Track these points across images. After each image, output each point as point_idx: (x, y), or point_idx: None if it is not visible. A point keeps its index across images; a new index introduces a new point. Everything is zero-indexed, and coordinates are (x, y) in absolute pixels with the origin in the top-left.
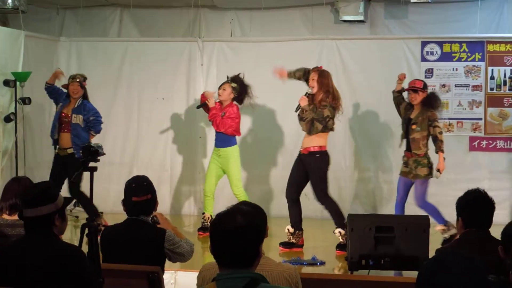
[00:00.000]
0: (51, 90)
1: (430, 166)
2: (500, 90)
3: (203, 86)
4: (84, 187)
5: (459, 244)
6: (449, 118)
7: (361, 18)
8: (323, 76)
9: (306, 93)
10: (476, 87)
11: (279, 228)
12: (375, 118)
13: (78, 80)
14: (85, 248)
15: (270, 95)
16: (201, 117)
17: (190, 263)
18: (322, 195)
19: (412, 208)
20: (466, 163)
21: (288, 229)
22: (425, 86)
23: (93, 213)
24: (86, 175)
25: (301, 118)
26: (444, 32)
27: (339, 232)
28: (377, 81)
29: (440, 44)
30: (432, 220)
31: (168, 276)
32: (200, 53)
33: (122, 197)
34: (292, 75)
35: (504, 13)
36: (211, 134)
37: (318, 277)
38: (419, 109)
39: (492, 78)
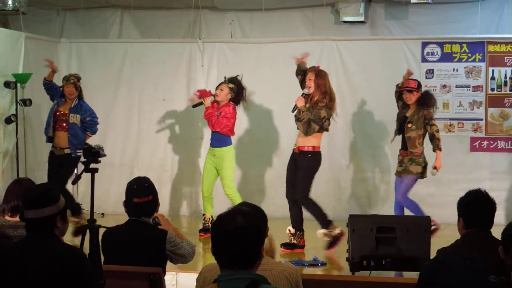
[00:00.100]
0: (49, 87)
1: (424, 166)
2: (501, 91)
3: (203, 87)
4: (85, 188)
5: (460, 244)
6: (450, 119)
7: (362, 19)
8: (320, 76)
9: (303, 93)
10: (476, 88)
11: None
12: (375, 119)
13: (72, 81)
14: (86, 250)
15: (270, 96)
16: (201, 118)
17: (191, 265)
18: (304, 195)
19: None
20: (467, 163)
21: (289, 230)
22: (419, 86)
23: (76, 211)
24: (86, 176)
25: (297, 119)
26: (444, 32)
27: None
28: (377, 82)
29: (441, 44)
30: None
31: (170, 278)
32: (201, 54)
33: (123, 198)
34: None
35: (504, 13)
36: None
37: (319, 278)
38: (414, 108)
39: (492, 78)
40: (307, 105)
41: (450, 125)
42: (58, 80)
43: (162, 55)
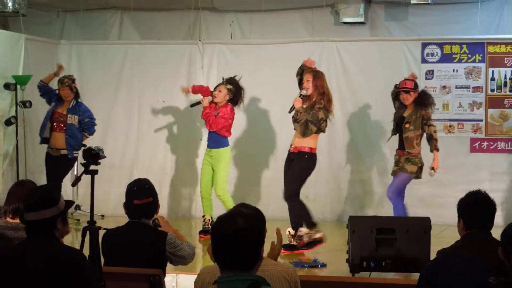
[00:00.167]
0: (45, 90)
1: (419, 166)
2: (501, 91)
3: (211, 86)
4: (85, 190)
5: (460, 245)
6: (450, 120)
7: (361, 20)
8: (318, 77)
9: (301, 94)
10: (476, 89)
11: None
12: (375, 120)
13: (66, 84)
14: (86, 251)
15: (270, 97)
16: (200, 118)
17: (191, 266)
18: (292, 194)
19: (411, 210)
20: (467, 164)
21: (289, 231)
22: (415, 86)
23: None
24: (86, 178)
25: (295, 120)
26: (444, 33)
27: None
28: (377, 83)
29: (441, 45)
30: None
31: (170, 279)
32: (201, 55)
33: (123, 200)
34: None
35: (504, 14)
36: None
37: (319, 279)
38: (412, 108)
39: (492, 79)
40: (305, 106)
41: (450, 126)
42: (53, 82)
43: (162, 57)
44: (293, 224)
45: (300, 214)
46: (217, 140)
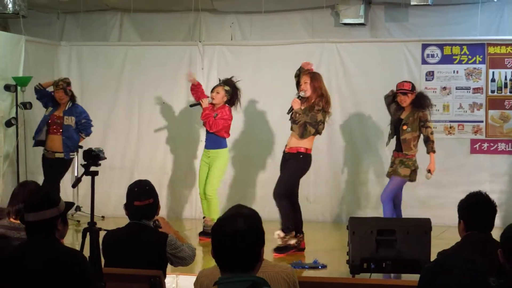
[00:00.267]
0: (42, 93)
1: (413, 169)
2: (501, 93)
3: (208, 88)
4: (85, 191)
5: (461, 246)
6: (450, 121)
7: (362, 21)
8: (315, 79)
9: (299, 96)
10: (477, 90)
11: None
12: (375, 121)
13: (61, 86)
14: (86, 252)
15: (271, 98)
16: (198, 119)
17: (191, 267)
18: (282, 193)
19: (411, 211)
20: (467, 165)
21: (278, 234)
22: (413, 88)
23: None
24: (87, 179)
25: (293, 121)
26: (444, 34)
27: (278, 234)
28: (377, 84)
29: (441, 46)
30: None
31: (170, 280)
32: (201, 57)
33: (124, 201)
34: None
35: (505, 15)
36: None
37: (319, 280)
38: (409, 110)
39: (493, 80)
40: (303, 108)
41: (451, 127)
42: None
43: (162, 58)
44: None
45: (283, 216)
46: (215, 141)
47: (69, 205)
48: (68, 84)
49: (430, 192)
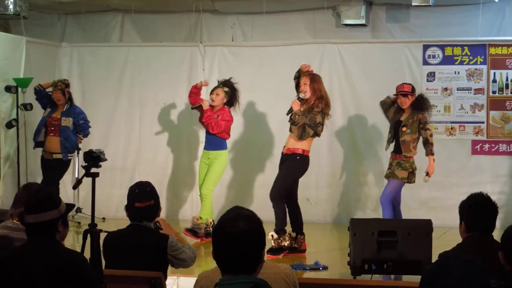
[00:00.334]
0: (41, 95)
1: (410, 172)
2: (502, 93)
3: (204, 91)
4: (86, 192)
5: (462, 248)
6: (451, 122)
7: (363, 22)
8: (315, 81)
9: (299, 97)
10: (478, 91)
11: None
12: (376, 122)
13: (59, 87)
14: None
15: (272, 100)
16: (197, 122)
17: (192, 269)
18: (279, 194)
19: (413, 212)
20: (469, 167)
21: (272, 235)
22: (413, 90)
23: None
24: (87, 180)
25: (292, 122)
26: (445, 35)
27: (272, 235)
28: (379, 85)
29: (442, 47)
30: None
31: (171, 282)
32: (202, 58)
33: (124, 203)
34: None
35: (506, 16)
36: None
37: (320, 282)
38: (409, 112)
39: (494, 81)
40: (302, 109)
41: (452, 128)
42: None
43: (163, 59)
44: (276, 227)
45: (277, 217)
46: (216, 142)
47: (70, 206)
48: (67, 85)
49: (432, 193)
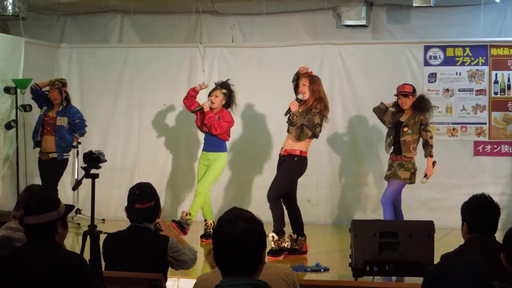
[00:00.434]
0: (37, 94)
1: (412, 172)
2: (504, 94)
3: (204, 92)
4: (86, 194)
5: (464, 249)
6: (453, 123)
7: (363, 22)
8: (314, 82)
9: (297, 98)
10: (480, 91)
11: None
12: (377, 123)
13: (56, 86)
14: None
15: (271, 101)
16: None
17: (192, 270)
18: (276, 195)
19: (415, 213)
20: (471, 168)
21: (273, 236)
22: (414, 90)
23: None
24: (87, 182)
25: (290, 123)
26: (447, 36)
27: (272, 236)
28: (379, 86)
29: (443, 48)
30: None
31: (171, 284)
32: (201, 59)
33: (124, 204)
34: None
35: (508, 17)
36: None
37: (322, 283)
38: (409, 113)
39: (496, 82)
40: (300, 110)
41: (453, 129)
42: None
43: (163, 60)
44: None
45: (275, 218)
46: (216, 144)
47: (69, 208)
48: (64, 84)
49: (433, 194)
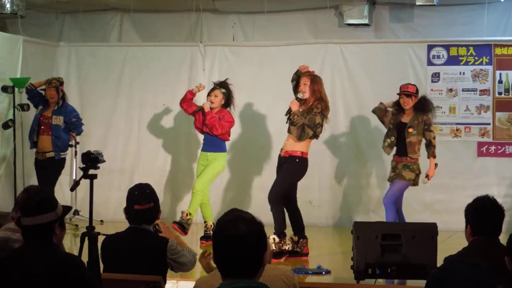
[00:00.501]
0: (33, 93)
1: (417, 173)
2: (509, 94)
3: (204, 92)
4: (84, 194)
5: (468, 252)
6: (457, 123)
7: (366, 21)
8: (315, 82)
9: (297, 97)
10: (484, 91)
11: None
12: (379, 123)
13: (54, 85)
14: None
15: (272, 100)
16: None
17: (192, 273)
18: (277, 197)
19: (417, 215)
20: (474, 169)
21: (274, 239)
22: (417, 91)
23: None
24: (86, 182)
25: (291, 123)
26: (450, 35)
27: (273, 239)
28: (382, 86)
29: (447, 47)
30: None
31: (170, 286)
32: (202, 58)
33: (123, 205)
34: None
35: None
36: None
37: (323, 286)
38: (412, 114)
39: (500, 82)
40: (301, 110)
41: (457, 130)
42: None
43: (163, 59)
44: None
45: (276, 221)
46: (215, 144)
47: (67, 209)
48: (61, 83)
49: (437, 196)
